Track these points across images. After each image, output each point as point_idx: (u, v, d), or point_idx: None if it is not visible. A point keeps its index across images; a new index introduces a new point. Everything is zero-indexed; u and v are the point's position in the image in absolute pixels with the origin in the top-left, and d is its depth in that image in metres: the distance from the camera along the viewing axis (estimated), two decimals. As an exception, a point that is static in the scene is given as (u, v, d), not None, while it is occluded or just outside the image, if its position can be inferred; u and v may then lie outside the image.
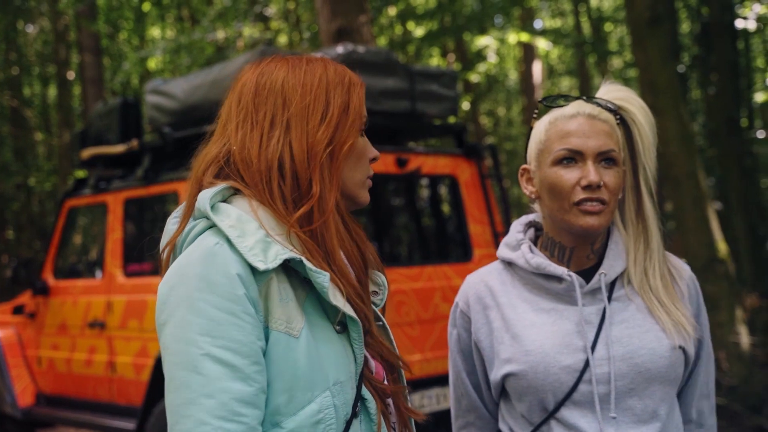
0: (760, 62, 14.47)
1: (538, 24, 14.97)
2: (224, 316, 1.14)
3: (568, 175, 1.50)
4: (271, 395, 1.17)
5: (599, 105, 1.53)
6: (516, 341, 1.52)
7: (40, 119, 17.25)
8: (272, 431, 1.17)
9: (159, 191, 4.76)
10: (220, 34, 9.18)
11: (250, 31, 9.17)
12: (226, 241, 1.17)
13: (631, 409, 1.49)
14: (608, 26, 15.87)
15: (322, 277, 1.18)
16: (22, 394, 5.45)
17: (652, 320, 1.52)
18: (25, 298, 5.62)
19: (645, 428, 1.49)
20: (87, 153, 5.30)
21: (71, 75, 15.16)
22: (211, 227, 1.21)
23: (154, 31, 15.54)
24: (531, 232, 1.65)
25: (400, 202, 5.73)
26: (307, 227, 1.23)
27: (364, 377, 1.24)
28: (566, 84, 19.55)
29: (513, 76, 20.12)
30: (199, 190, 1.25)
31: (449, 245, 5.45)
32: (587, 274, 1.56)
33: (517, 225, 1.66)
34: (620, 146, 1.53)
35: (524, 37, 10.34)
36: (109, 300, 4.87)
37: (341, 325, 1.22)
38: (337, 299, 1.20)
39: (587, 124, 1.50)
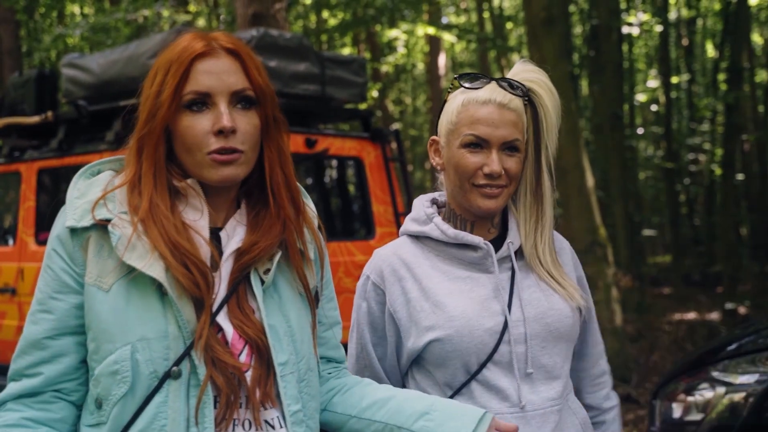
0: (641, 65, 15.51)
1: (444, 20, 15.46)
2: (43, 267, 1.33)
3: (473, 159, 1.56)
4: (88, 342, 1.29)
5: (511, 87, 1.57)
6: (438, 308, 1.56)
7: (-45, 89, 16.41)
8: (90, 375, 1.29)
9: (73, 162, 4.82)
10: (140, 16, 9.14)
11: (169, 12, 9.18)
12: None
13: (544, 366, 1.58)
14: (509, 24, 16.51)
15: (114, 237, 1.25)
16: (-74, 360, 5.43)
17: (550, 288, 1.62)
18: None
19: (554, 384, 1.59)
20: (1, 123, 5.32)
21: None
22: None
23: (73, 8, 15.10)
24: (434, 208, 1.70)
25: (308, 182, 5.97)
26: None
27: (207, 344, 1.24)
28: (470, 77, 20.14)
29: (420, 67, 20.62)
30: None
31: (353, 223, 5.72)
32: (492, 245, 1.63)
33: (423, 201, 1.70)
34: (525, 132, 1.59)
35: (431, 30, 10.74)
36: (20, 266, 4.95)
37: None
38: (132, 258, 1.23)
39: (497, 113, 1.55)
